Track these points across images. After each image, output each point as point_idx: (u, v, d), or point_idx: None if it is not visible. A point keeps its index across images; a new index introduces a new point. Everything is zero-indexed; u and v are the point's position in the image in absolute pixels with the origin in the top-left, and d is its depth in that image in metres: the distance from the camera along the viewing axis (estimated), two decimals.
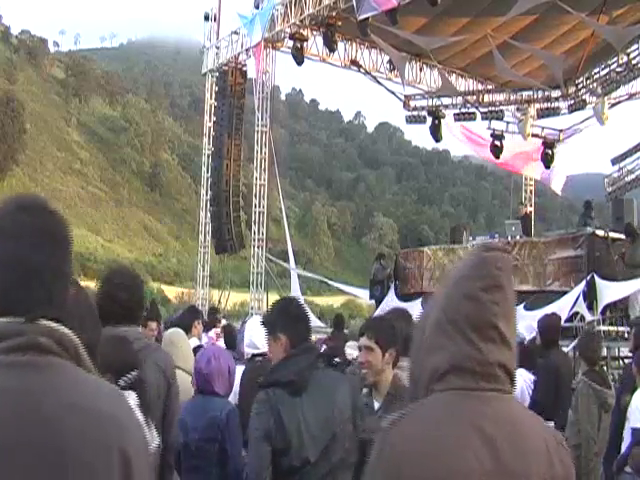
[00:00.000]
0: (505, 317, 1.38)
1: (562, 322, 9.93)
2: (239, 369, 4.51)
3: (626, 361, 10.25)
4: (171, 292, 57.76)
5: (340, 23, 16.20)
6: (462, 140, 21.06)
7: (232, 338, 6.96)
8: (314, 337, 12.14)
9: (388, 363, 3.23)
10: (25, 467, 1.17)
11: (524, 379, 5.00)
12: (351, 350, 6.08)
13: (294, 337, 2.98)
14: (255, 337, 5.08)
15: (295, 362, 2.94)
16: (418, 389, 1.42)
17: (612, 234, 12.47)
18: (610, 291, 11.02)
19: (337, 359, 4.72)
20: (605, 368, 10.42)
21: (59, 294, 1.30)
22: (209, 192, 20.51)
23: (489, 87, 20.38)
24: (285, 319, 3.02)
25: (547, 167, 20.73)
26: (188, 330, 6.37)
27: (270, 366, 4.97)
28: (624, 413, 4.65)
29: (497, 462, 1.29)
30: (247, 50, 19.37)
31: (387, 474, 1.33)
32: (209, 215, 20.52)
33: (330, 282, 27.59)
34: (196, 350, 5.80)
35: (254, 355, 5.02)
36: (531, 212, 16.71)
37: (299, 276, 20.62)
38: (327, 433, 2.86)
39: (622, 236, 12.31)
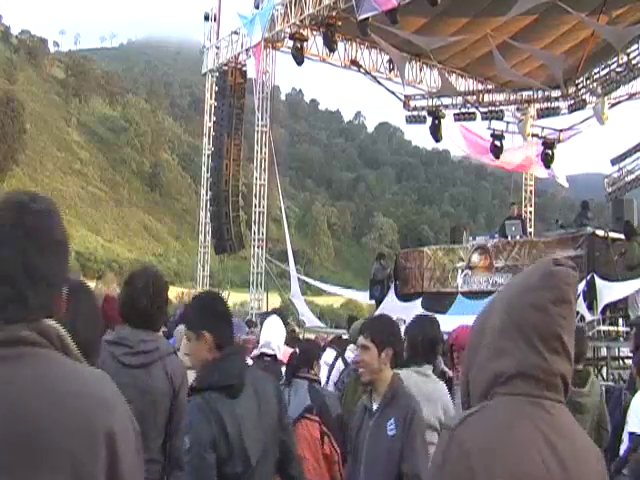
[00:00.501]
0: (569, 330, 1.42)
1: None
2: None
3: (626, 361, 10.27)
4: (171, 292, 57.57)
5: (340, 23, 16.20)
6: (461, 145, 21.04)
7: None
8: (313, 337, 12.14)
9: (385, 363, 3.19)
10: (7, 458, 1.17)
11: None
12: (350, 353, 6.06)
13: (220, 336, 2.79)
14: (272, 338, 5.04)
15: (231, 363, 2.78)
16: (474, 391, 1.45)
17: (612, 234, 12.47)
18: (610, 291, 11.03)
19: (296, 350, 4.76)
20: (606, 368, 10.45)
21: (36, 296, 1.28)
22: (209, 192, 20.51)
23: (489, 87, 20.38)
24: (210, 316, 2.83)
25: (547, 167, 20.74)
26: None
27: (279, 369, 4.95)
28: (624, 414, 4.66)
29: (564, 471, 1.33)
30: (247, 50, 19.37)
31: (456, 471, 1.34)
32: (209, 215, 20.52)
33: (326, 287, 27.48)
34: None
35: (263, 354, 4.99)
36: (522, 212, 16.65)
37: (298, 277, 20.61)
38: (264, 433, 2.78)
39: (622, 236, 12.33)
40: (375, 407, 3.19)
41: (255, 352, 5.13)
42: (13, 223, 1.30)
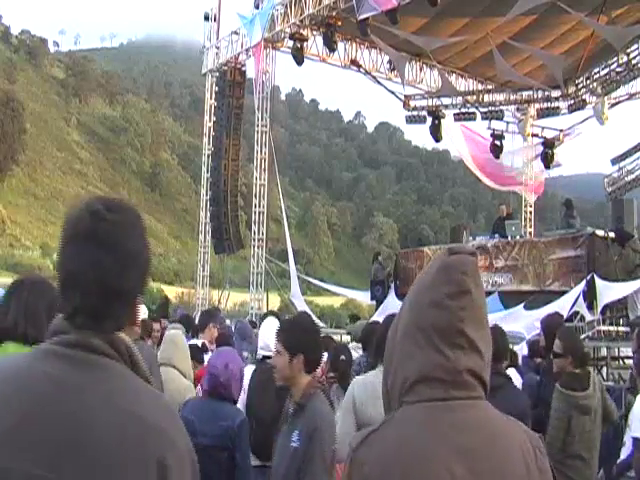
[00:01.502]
0: (473, 322, 1.34)
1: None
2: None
3: (627, 361, 10.27)
4: (171, 292, 57.60)
5: (340, 23, 16.20)
6: (461, 147, 21.03)
7: (226, 338, 6.88)
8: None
9: (298, 370, 3.09)
10: (48, 456, 1.16)
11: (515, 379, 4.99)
12: (354, 353, 6.06)
13: (312, 361, 3.00)
14: (271, 340, 5.05)
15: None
16: (391, 400, 1.39)
17: (612, 234, 12.48)
18: (609, 291, 11.02)
19: (342, 357, 4.73)
20: (606, 368, 10.44)
21: (106, 308, 1.27)
22: (209, 192, 20.51)
23: (489, 87, 20.38)
24: (309, 341, 3.05)
25: (547, 167, 20.74)
26: (202, 330, 6.40)
27: None
28: (626, 416, 4.66)
29: (470, 473, 1.26)
30: (247, 50, 19.37)
31: None
32: (209, 215, 20.52)
33: (327, 286, 27.52)
34: (199, 350, 5.80)
35: (265, 357, 4.99)
36: (511, 211, 16.61)
37: (298, 277, 20.62)
38: None
39: (627, 231, 12.36)
40: (291, 412, 3.13)
41: (257, 357, 5.13)
42: (86, 233, 1.28)
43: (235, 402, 3.70)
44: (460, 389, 1.32)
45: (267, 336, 5.08)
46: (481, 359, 1.34)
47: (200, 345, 6.10)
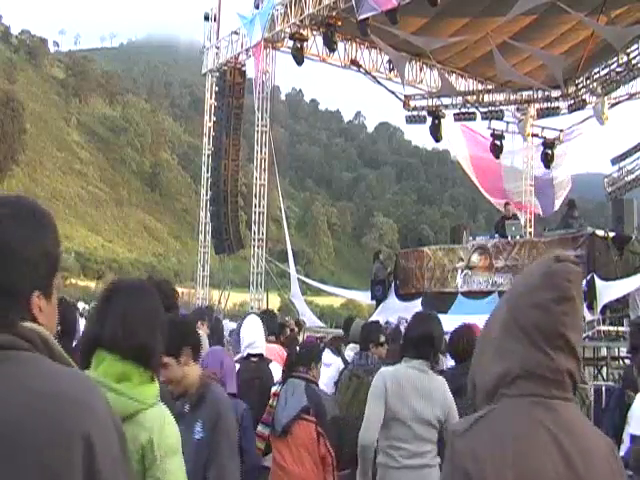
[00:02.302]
0: (573, 327, 1.42)
1: None
2: None
3: (627, 361, 10.25)
4: None
5: (340, 23, 16.20)
6: (462, 149, 21.03)
7: (220, 333, 6.85)
8: (308, 335, 12.11)
9: (187, 364, 2.97)
10: None
11: None
12: (351, 352, 6.06)
13: None
14: (255, 337, 5.09)
15: None
16: (478, 392, 1.45)
17: (612, 234, 12.48)
18: (609, 290, 11.03)
19: (303, 350, 4.76)
20: (606, 368, 10.45)
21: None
22: (209, 192, 20.51)
23: (489, 87, 20.38)
24: None
25: (547, 167, 20.73)
26: None
27: (267, 366, 4.99)
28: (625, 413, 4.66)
29: (571, 471, 1.33)
30: (247, 50, 19.37)
31: (466, 478, 1.34)
32: (209, 215, 20.52)
33: (327, 288, 27.51)
34: None
35: (250, 355, 5.02)
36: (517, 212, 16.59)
37: (298, 278, 20.62)
38: None
39: (625, 235, 12.36)
40: (186, 409, 3.07)
41: (242, 355, 5.13)
42: None
43: (235, 395, 3.71)
44: (560, 389, 1.40)
45: (251, 334, 5.11)
46: (578, 363, 1.43)
47: None
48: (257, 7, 18.66)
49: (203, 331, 6.30)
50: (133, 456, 2.06)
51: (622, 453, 4.22)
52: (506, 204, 15.88)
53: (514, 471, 1.31)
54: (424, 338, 3.77)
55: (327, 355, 6.35)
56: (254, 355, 5.00)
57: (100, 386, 1.85)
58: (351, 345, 6.27)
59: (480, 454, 1.34)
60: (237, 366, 4.78)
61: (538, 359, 1.38)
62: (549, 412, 1.37)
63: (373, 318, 13.27)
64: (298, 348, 5.04)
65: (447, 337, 4.61)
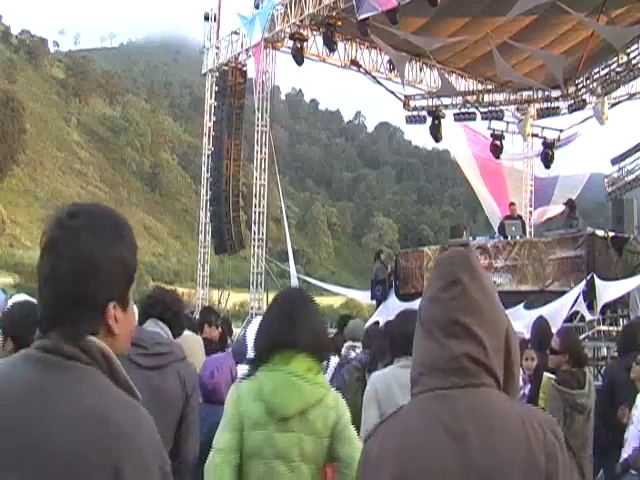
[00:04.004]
0: (467, 310, 1.39)
1: (562, 322, 9.97)
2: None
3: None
4: None
5: (340, 23, 16.20)
6: (464, 151, 21.02)
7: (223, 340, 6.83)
8: None
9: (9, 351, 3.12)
10: (6, 457, 1.17)
11: None
12: (348, 350, 6.07)
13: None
14: None
15: None
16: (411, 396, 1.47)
17: (612, 234, 12.48)
18: (609, 290, 11.03)
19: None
20: (606, 368, 10.44)
21: (69, 315, 1.28)
22: (209, 192, 20.50)
23: (489, 87, 20.38)
24: None
25: (547, 167, 20.72)
26: (200, 331, 6.36)
27: None
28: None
29: (465, 458, 1.29)
30: (247, 50, 19.37)
31: (365, 477, 1.40)
32: (209, 215, 20.51)
33: (327, 286, 27.50)
34: None
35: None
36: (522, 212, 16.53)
37: (298, 277, 20.61)
38: None
39: (622, 236, 12.35)
40: None
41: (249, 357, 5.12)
42: (48, 243, 1.30)
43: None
44: (460, 376, 1.36)
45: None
46: (480, 346, 1.37)
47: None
48: (257, 7, 18.67)
49: (209, 332, 6.23)
50: (325, 431, 2.61)
51: (625, 454, 4.22)
52: (511, 204, 15.87)
53: (396, 464, 1.32)
54: (408, 335, 3.77)
55: None
56: None
57: (293, 378, 2.59)
58: (348, 343, 6.27)
59: (373, 454, 1.38)
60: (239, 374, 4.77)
61: (433, 351, 1.39)
62: (444, 402, 1.35)
63: (373, 318, 13.28)
64: None
65: None
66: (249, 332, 5.33)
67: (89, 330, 1.29)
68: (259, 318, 5.57)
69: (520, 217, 15.85)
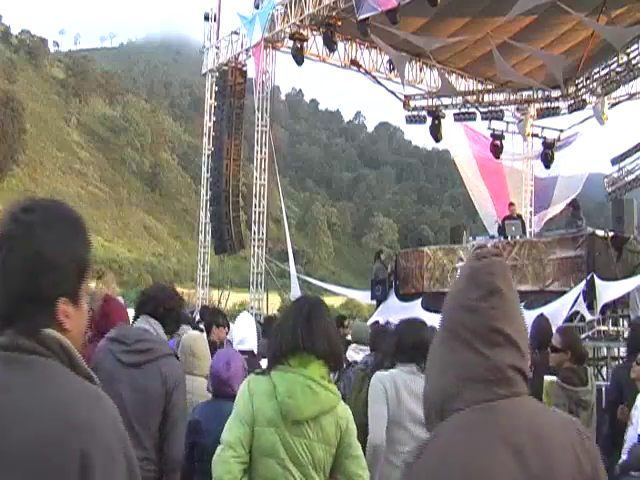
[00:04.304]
0: (507, 318, 1.37)
1: (562, 322, 9.98)
2: None
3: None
4: None
5: (340, 23, 16.20)
6: (464, 152, 21.02)
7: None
8: None
9: None
10: None
11: None
12: (353, 353, 6.06)
13: None
14: (246, 334, 5.12)
15: None
16: (431, 413, 1.41)
17: (612, 234, 12.48)
18: (609, 290, 11.03)
19: None
20: (605, 368, 10.46)
21: (22, 310, 1.27)
22: (209, 192, 20.50)
23: (489, 87, 20.38)
24: None
25: (547, 167, 20.71)
26: (208, 331, 6.36)
27: (258, 363, 5.00)
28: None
29: (526, 472, 1.28)
30: (247, 50, 19.37)
31: None
32: (209, 215, 20.51)
33: (327, 286, 27.51)
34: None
35: (241, 351, 5.02)
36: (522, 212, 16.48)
37: (298, 277, 20.61)
38: None
39: (622, 236, 12.35)
40: None
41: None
42: (1, 237, 1.29)
43: None
44: (503, 386, 1.34)
45: (242, 330, 5.15)
46: (520, 354, 1.37)
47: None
48: (257, 7, 18.67)
49: (217, 333, 6.21)
50: (334, 440, 2.63)
51: (625, 455, 4.22)
52: (510, 204, 15.86)
53: None
54: (417, 345, 3.82)
55: None
56: (244, 352, 4.99)
57: (310, 382, 2.60)
58: (353, 345, 6.26)
59: (423, 472, 1.29)
60: None
61: (475, 363, 1.34)
62: (495, 415, 1.32)
63: (373, 318, 13.29)
64: None
65: None
66: (234, 328, 5.37)
67: (42, 325, 1.28)
68: (245, 314, 5.61)
69: (520, 217, 15.84)
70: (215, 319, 6.29)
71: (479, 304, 1.37)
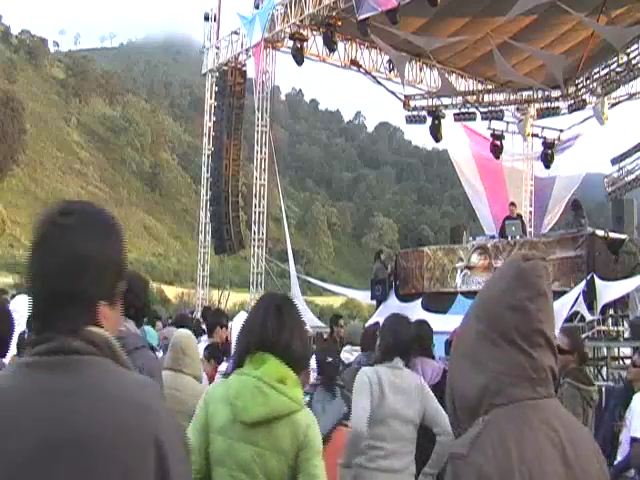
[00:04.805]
0: (548, 321, 1.42)
1: (562, 322, 9.98)
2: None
3: (627, 361, 10.26)
4: (171, 292, 57.66)
5: (340, 23, 16.21)
6: (464, 152, 21.02)
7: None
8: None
9: None
10: (65, 464, 1.18)
11: None
12: (348, 354, 6.04)
13: None
14: None
15: None
16: (461, 409, 1.42)
17: (612, 234, 12.48)
18: (609, 290, 11.03)
19: (329, 359, 4.59)
20: (605, 368, 10.45)
21: (70, 311, 1.30)
22: (209, 192, 20.51)
23: (489, 87, 20.38)
24: None
25: (547, 167, 20.72)
26: (212, 332, 6.35)
27: None
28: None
29: (569, 469, 1.33)
30: (247, 50, 19.38)
31: None
32: (209, 215, 20.52)
33: (328, 286, 27.56)
34: (218, 350, 5.81)
35: None
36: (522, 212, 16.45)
37: (298, 277, 20.62)
38: None
39: (622, 236, 12.35)
40: None
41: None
42: (39, 240, 1.31)
43: None
44: (545, 386, 1.40)
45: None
46: (555, 357, 1.43)
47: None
48: (257, 7, 18.67)
49: (219, 335, 6.19)
50: (292, 451, 2.36)
51: (620, 456, 4.23)
52: (510, 204, 15.84)
53: (521, 477, 1.30)
54: (399, 341, 3.86)
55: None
56: None
57: (260, 384, 2.38)
58: (347, 347, 6.23)
59: (489, 470, 1.30)
60: None
61: (521, 361, 1.38)
62: (540, 413, 1.37)
63: (374, 319, 13.27)
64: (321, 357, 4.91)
65: (447, 337, 4.62)
66: (234, 328, 5.34)
67: (84, 325, 1.30)
68: (244, 314, 5.58)
69: (520, 217, 15.82)
70: (219, 320, 6.31)
71: (528, 304, 1.40)
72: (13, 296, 8.41)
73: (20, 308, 4.93)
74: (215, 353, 5.64)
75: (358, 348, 5.93)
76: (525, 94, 19.49)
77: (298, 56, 17.22)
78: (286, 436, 2.38)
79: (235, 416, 2.40)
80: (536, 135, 20.57)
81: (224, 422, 2.41)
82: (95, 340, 1.29)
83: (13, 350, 4.60)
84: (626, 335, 11.04)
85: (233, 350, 2.68)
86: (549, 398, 1.40)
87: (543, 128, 20.53)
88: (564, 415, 1.43)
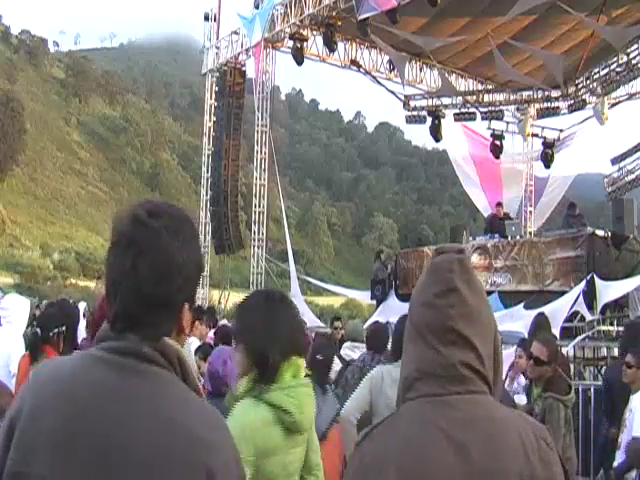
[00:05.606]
0: (464, 318, 1.37)
1: (562, 322, 9.97)
2: None
3: None
4: None
5: (340, 23, 16.21)
6: (463, 152, 21.02)
7: (229, 339, 6.91)
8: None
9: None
10: (93, 461, 1.18)
11: None
12: (349, 351, 6.06)
13: None
14: None
15: None
16: (398, 400, 1.44)
17: (616, 231, 12.48)
18: (609, 290, 11.03)
19: (319, 356, 4.52)
20: (605, 368, 10.45)
21: (148, 316, 1.29)
22: (209, 192, 20.51)
23: (489, 87, 20.38)
24: None
25: (547, 167, 20.73)
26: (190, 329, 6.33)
27: None
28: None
29: (469, 466, 1.28)
30: (247, 50, 19.38)
31: None
32: (209, 215, 20.52)
33: (327, 286, 27.56)
34: (196, 351, 5.81)
35: None
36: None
37: (298, 277, 20.61)
38: None
39: (622, 234, 12.35)
40: None
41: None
42: (126, 240, 1.30)
43: None
44: (457, 383, 1.35)
45: None
46: (476, 354, 1.37)
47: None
48: (257, 7, 18.67)
49: (198, 331, 6.21)
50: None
51: (619, 459, 4.21)
52: (497, 204, 15.81)
53: (397, 467, 1.29)
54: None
55: None
56: None
57: (310, 390, 2.39)
58: (348, 344, 6.27)
59: (368, 461, 1.33)
60: None
61: (429, 357, 1.36)
62: (442, 409, 1.33)
63: (373, 318, 13.28)
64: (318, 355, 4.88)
65: None
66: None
67: (167, 333, 1.30)
68: None
69: (508, 215, 15.67)
70: (199, 316, 6.28)
71: (437, 301, 1.38)
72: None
73: (11, 306, 4.93)
74: (209, 353, 5.61)
75: (359, 345, 5.95)
76: (525, 94, 19.49)
77: (298, 56, 17.23)
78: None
79: (296, 430, 2.33)
80: (536, 135, 20.57)
81: (277, 441, 2.31)
82: (167, 352, 1.28)
83: (22, 348, 4.60)
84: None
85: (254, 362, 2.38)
86: (467, 394, 1.35)
87: (543, 128, 20.54)
88: (483, 412, 1.35)
